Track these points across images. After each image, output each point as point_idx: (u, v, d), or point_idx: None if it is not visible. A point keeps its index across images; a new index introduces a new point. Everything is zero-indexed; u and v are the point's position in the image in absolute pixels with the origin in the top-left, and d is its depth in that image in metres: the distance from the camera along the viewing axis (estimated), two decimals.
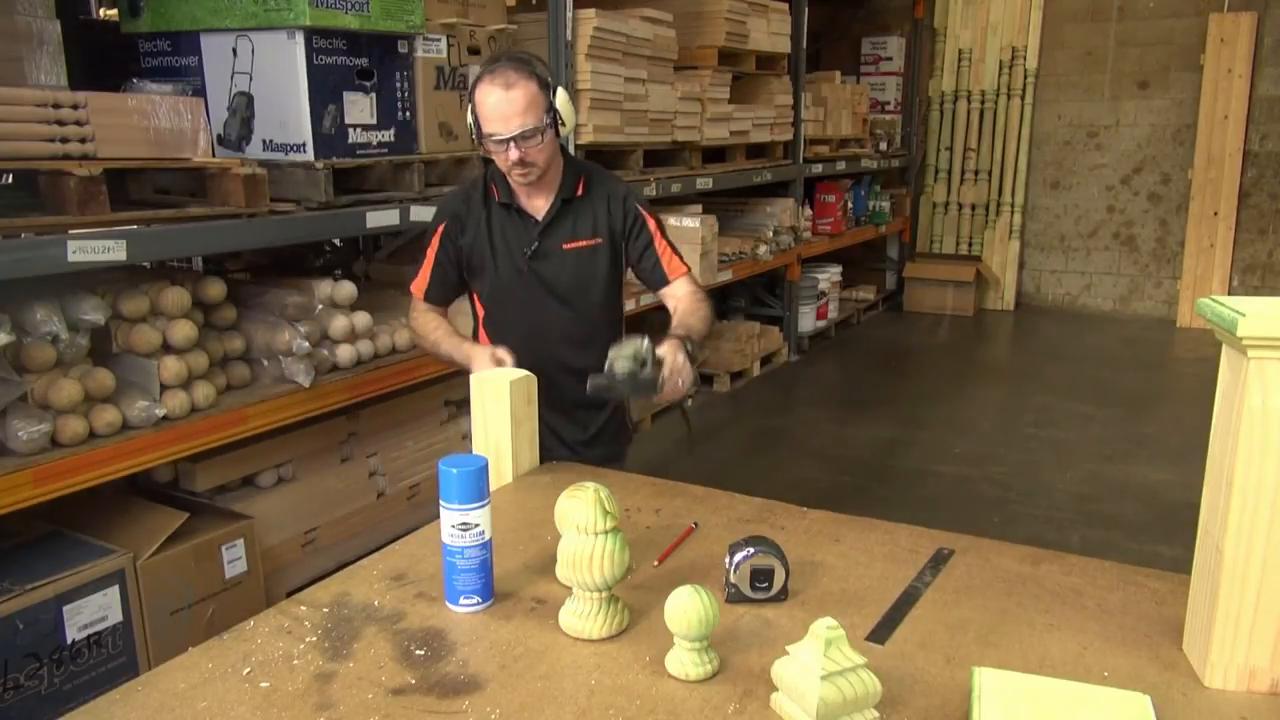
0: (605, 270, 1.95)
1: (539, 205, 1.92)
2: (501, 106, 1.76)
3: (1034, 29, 7.12)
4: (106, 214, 2.03)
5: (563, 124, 1.84)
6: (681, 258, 1.98)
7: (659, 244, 1.95)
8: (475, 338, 2.02)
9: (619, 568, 1.12)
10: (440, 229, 1.97)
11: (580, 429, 2.02)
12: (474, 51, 3.01)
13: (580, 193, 1.93)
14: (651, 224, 1.95)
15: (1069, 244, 7.35)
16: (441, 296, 2.03)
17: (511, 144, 1.78)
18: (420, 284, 2.03)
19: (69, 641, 2.03)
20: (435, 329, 1.98)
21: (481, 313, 2.02)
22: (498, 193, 1.92)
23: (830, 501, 1.65)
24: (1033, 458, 4.34)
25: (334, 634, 1.14)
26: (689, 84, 4.15)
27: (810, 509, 1.52)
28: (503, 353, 1.79)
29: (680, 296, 1.94)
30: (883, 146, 6.96)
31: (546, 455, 1.91)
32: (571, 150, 3.40)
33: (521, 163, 1.80)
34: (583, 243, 1.93)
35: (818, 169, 5.90)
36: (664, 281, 1.95)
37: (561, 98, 1.83)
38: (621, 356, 1.62)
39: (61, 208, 1.99)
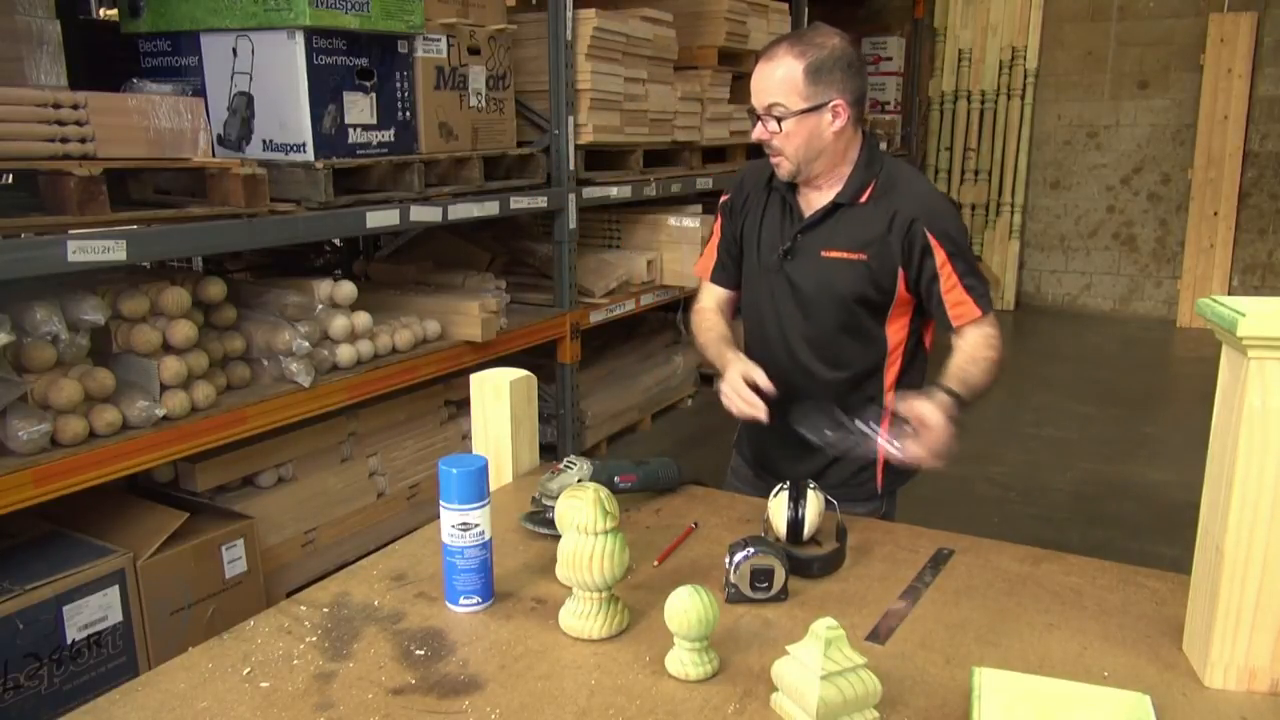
0: (858, 289, 1.67)
1: (812, 201, 1.71)
2: (756, 77, 1.61)
3: (1034, 29, 7.12)
4: (106, 214, 2.03)
5: (835, 120, 1.60)
6: (979, 295, 1.65)
7: (946, 281, 1.63)
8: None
9: (619, 568, 1.12)
10: (722, 201, 1.83)
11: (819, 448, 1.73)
12: (474, 51, 3.01)
13: (864, 199, 1.67)
14: (941, 255, 1.62)
15: (1069, 244, 7.35)
16: (727, 277, 1.85)
17: (758, 121, 1.62)
18: (705, 263, 1.87)
19: (69, 641, 2.03)
20: (708, 330, 1.81)
21: (741, 298, 1.87)
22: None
23: None
24: (1033, 458, 4.33)
25: (334, 634, 1.14)
26: (689, 84, 4.15)
27: None
28: (755, 374, 1.60)
29: (965, 340, 1.66)
30: (883, 146, 6.95)
31: (764, 479, 1.79)
32: (570, 149, 3.40)
33: (768, 145, 1.64)
34: (841, 254, 1.67)
35: None
36: (948, 328, 1.67)
37: (829, 94, 1.58)
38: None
39: (61, 208, 1.99)
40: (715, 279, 1.88)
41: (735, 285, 1.87)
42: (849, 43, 1.63)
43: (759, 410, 1.57)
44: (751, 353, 1.82)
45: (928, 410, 1.47)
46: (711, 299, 1.88)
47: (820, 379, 1.74)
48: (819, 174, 1.68)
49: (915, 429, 1.47)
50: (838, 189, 1.68)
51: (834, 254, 1.67)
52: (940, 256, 1.62)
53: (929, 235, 1.62)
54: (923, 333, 1.77)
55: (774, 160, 1.67)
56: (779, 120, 1.60)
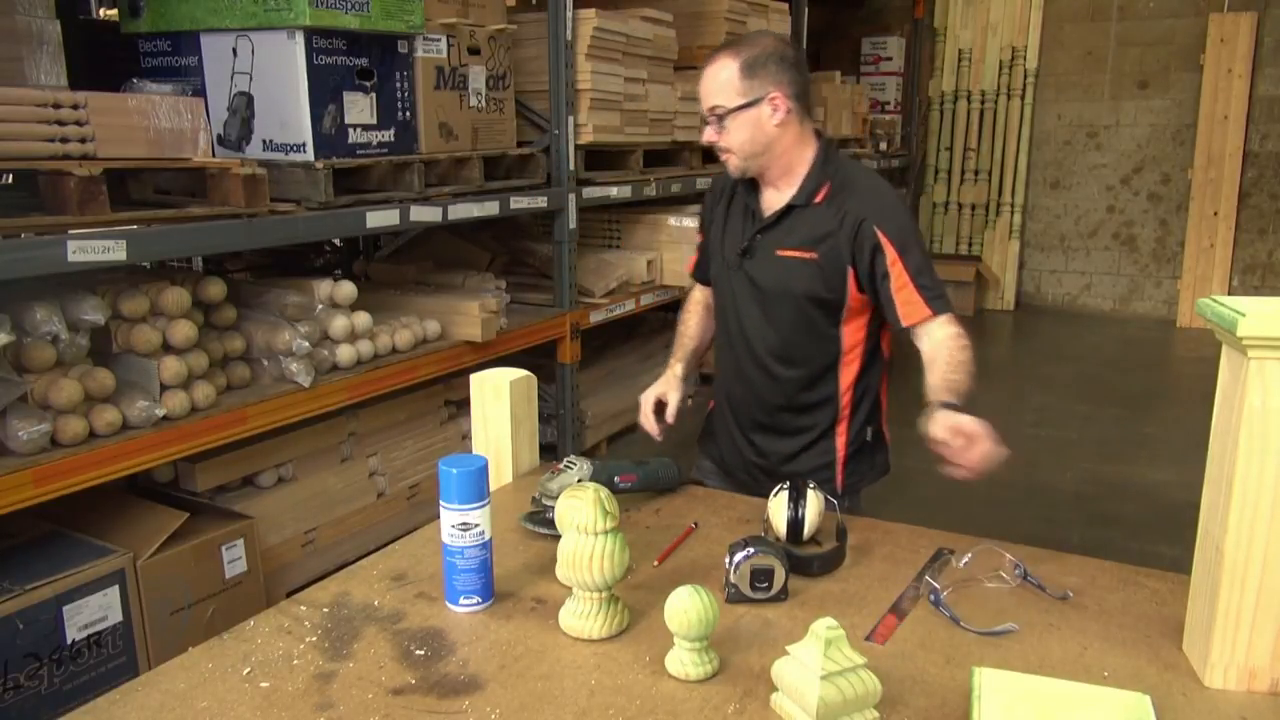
0: (810, 288, 1.72)
1: (771, 203, 1.78)
2: (700, 83, 1.73)
3: (1034, 29, 7.12)
4: (106, 214, 2.03)
5: (774, 112, 1.67)
6: (932, 296, 1.66)
7: (896, 280, 1.65)
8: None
9: (619, 568, 1.12)
10: (703, 202, 1.96)
11: (783, 447, 1.85)
12: (474, 51, 3.01)
13: (819, 200, 1.72)
14: (891, 253, 1.65)
15: (1069, 244, 7.35)
16: (704, 275, 1.99)
17: (708, 124, 1.72)
18: (690, 260, 2.04)
19: (69, 641, 2.03)
20: (680, 324, 2.02)
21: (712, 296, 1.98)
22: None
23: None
24: (1033, 457, 4.33)
25: (334, 634, 1.14)
26: (689, 84, 4.14)
27: None
28: (670, 399, 1.87)
29: (935, 344, 1.65)
30: (883, 146, 6.96)
31: (730, 476, 1.90)
32: (570, 149, 3.40)
33: (716, 145, 1.74)
34: (795, 252, 1.72)
35: None
36: (898, 325, 1.68)
37: (765, 88, 1.66)
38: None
39: (61, 208, 1.99)
40: (696, 275, 2.03)
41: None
42: (786, 42, 1.74)
43: (652, 431, 1.86)
44: (718, 348, 1.94)
45: (966, 423, 1.47)
46: (700, 292, 2.04)
47: (776, 375, 1.80)
48: (768, 169, 1.75)
49: (962, 445, 1.46)
50: (794, 191, 1.75)
51: (788, 253, 1.74)
52: (890, 255, 1.65)
53: (879, 233, 1.65)
54: (880, 337, 1.81)
55: (723, 158, 1.76)
56: (721, 119, 1.69)
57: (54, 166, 1.96)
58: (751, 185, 1.81)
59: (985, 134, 7.41)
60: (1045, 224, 7.40)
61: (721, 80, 1.68)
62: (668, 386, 1.89)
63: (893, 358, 1.85)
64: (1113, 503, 3.83)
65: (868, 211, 1.67)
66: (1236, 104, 6.51)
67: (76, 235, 1.96)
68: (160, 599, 2.23)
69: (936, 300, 1.66)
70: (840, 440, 1.83)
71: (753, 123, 1.68)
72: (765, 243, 1.77)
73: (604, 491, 1.14)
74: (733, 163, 1.74)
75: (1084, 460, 4.29)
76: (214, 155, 2.33)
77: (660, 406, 1.88)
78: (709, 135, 1.73)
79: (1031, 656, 1.09)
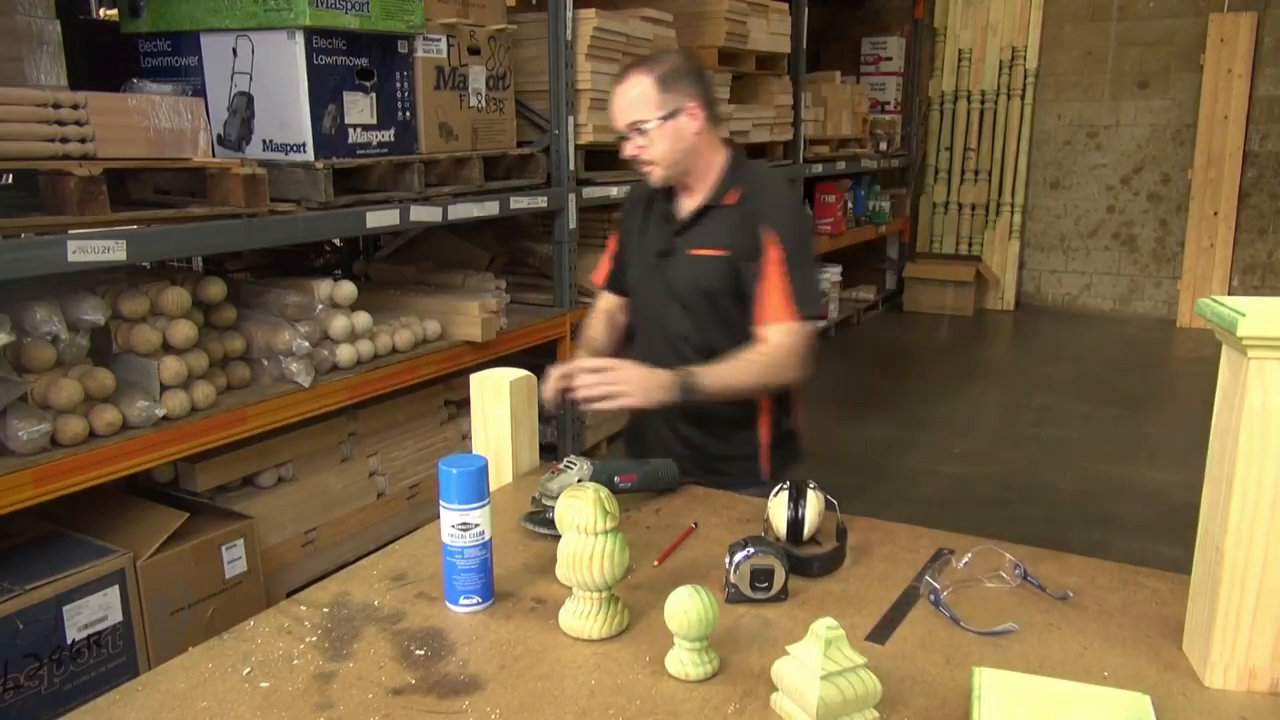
0: (723, 284, 1.80)
1: (686, 207, 1.87)
2: (613, 99, 1.82)
3: (1034, 29, 7.12)
4: (106, 214, 2.03)
5: (692, 121, 1.76)
6: (797, 304, 1.74)
7: (769, 280, 1.75)
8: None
9: (619, 568, 1.12)
10: (621, 212, 2.04)
11: (710, 438, 1.90)
12: (474, 51, 3.01)
13: (731, 201, 1.81)
14: (773, 255, 1.74)
15: (1069, 244, 7.35)
16: (616, 285, 2.04)
17: (627, 139, 1.80)
18: (600, 270, 2.07)
19: (69, 641, 2.03)
20: (587, 330, 2.05)
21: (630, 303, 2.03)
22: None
23: None
24: (1033, 458, 4.34)
25: (334, 634, 1.14)
26: None
27: None
28: (564, 369, 1.85)
29: (763, 340, 1.75)
30: (883, 146, 6.96)
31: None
32: (570, 149, 3.40)
33: (637, 159, 1.81)
34: (709, 251, 1.81)
35: (818, 169, 5.90)
36: (760, 320, 1.77)
37: (681, 99, 1.75)
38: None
39: (61, 208, 1.99)
40: (608, 286, 2.07)
41: (624, 292, 2.04)
42: (691, 56, 1.87)
43: (547, 397, 1.78)
44: (641, 349, 1.98)
45: (618, 363, 1.68)
46: (605, 301, 2.08)
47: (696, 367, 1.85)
48: (688, 175, 1.83)
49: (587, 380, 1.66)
50: (707, 194, 1.84)
51: (702, 252, 1.82)
52: (773, 255, 1.75)
53: (769, 233, 1.75)
54: None
55: (645, 170, 1.83)
56: (644, 133, 1.76)
57: (54, 166, 1.97)
58: (668, 193, 1.89)
59: (985, 134, 7.41)
60: (1045, 224, 7.40)
61: (636, 96, 1.76)
62: (580, 364, 1.92)
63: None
64: (1113, 503, 3.83)
65: (766, 210, 1.78)
66: (1236, 104, 6.51)
67: (76, 235, 1.97)
68: (160, 599, 2.23)
69: (802, 305, 1.75)
70: (763, 430, 1.90)
71: (673, 133, 1.77)
72: (681, 244, 1.85)
73: (604, 491, 1.14)
74: (656, 174, 1.82)
75: (1084, 460, 4.29)
76: (214, 155, 2.33)
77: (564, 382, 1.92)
78: (630, 150, 1.80)
79: (1031, 656, 1.09)
